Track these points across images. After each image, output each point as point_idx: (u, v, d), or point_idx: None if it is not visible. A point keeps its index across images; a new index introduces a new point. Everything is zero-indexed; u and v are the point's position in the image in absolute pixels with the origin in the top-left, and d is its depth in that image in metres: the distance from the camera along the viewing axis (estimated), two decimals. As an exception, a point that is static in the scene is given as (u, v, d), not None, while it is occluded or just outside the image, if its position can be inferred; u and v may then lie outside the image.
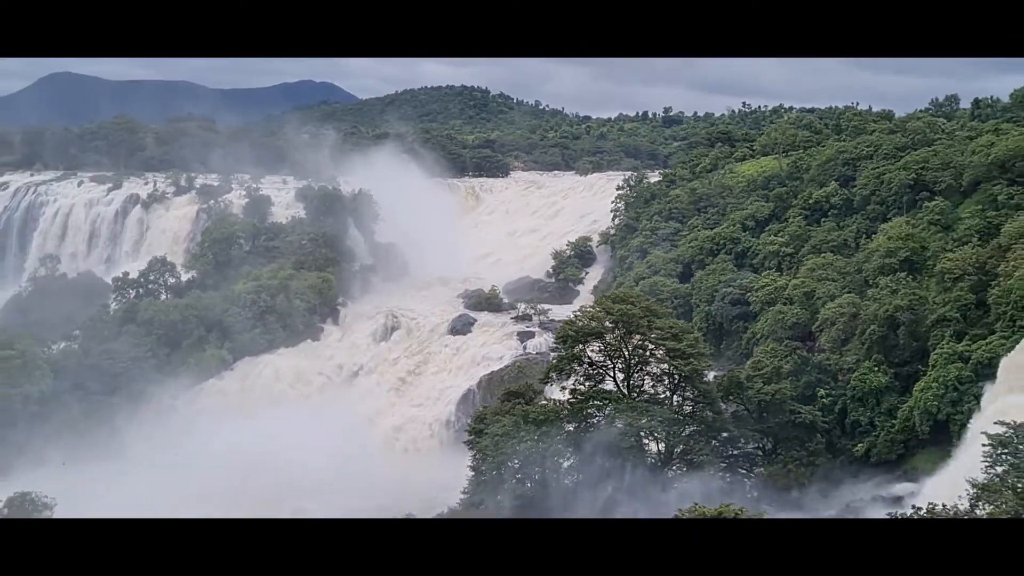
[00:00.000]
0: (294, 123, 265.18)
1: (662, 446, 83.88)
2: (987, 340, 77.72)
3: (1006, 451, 59.04)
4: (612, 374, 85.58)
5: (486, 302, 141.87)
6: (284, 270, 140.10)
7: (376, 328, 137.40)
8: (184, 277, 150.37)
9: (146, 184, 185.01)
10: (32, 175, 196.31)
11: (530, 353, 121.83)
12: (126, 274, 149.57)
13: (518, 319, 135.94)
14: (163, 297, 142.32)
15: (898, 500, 69.26)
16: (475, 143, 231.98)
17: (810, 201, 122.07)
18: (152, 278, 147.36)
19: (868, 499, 76.44)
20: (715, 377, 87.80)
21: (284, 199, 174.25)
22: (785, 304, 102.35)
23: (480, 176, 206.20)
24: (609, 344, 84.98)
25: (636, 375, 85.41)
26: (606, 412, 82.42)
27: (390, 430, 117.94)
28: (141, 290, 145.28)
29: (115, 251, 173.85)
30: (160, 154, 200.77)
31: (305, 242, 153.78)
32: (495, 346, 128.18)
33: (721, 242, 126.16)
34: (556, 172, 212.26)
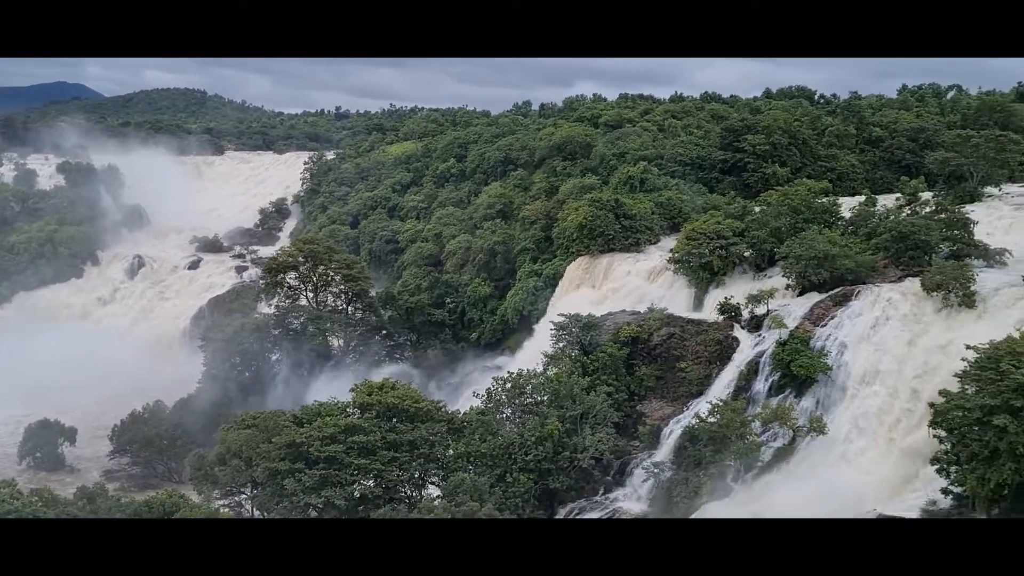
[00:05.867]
0: (53, 114, 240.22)
1: (341, 342, 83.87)
2: (552, 262, 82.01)
3: (564, 332, 62.72)
4: (305, 294, 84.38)
5: (211, 245, 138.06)
6: (50, 225, 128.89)
7: (126, 267, 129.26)
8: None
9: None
10: None
11: (245, 281, 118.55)
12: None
13: (235, 257, 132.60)
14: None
15: (498, 368, 72.15)
16: (198, 130, 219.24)
17: (437, 172, 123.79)
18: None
19: (480, 368, 79.31)
20: (376, 293, 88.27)
21: (47, 172, 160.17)
22: (423, 242, 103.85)
23: (202, 154, 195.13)
24: (302, 273, 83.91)
25: (322, 294, 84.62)
26: (301, 320, 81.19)
27: (141, 340, 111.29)
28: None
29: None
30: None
31: (66, 204, 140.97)
32: (219, 277, 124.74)
33: (378, 200, 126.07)
34: (260, 152, 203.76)
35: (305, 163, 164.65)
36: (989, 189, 76.12)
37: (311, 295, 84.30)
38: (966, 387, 37.18)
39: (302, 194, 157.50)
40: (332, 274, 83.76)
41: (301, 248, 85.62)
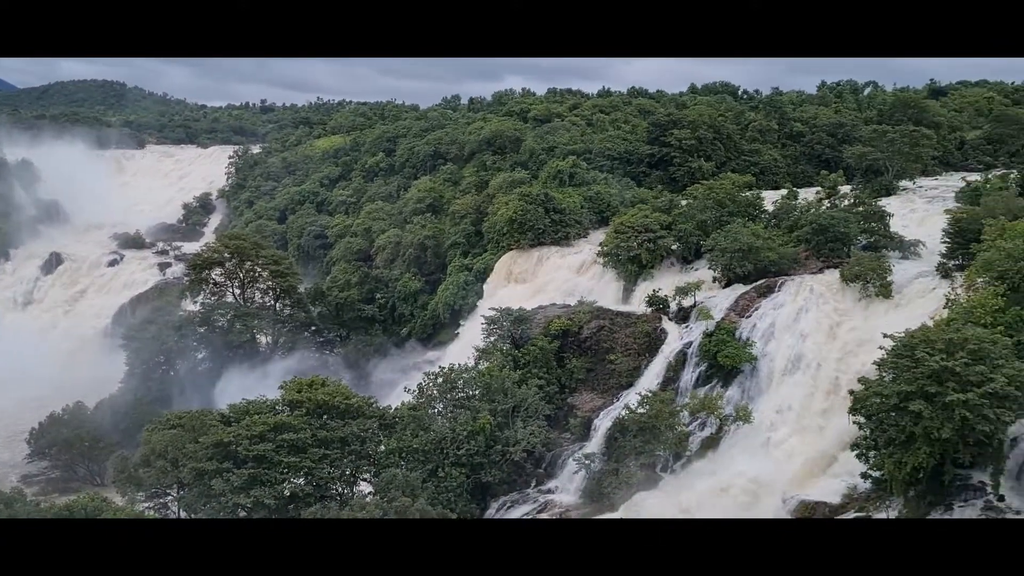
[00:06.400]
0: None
1: (269, 339, 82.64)
2: (482, 256, 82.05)
3: (494, 326, 62.87)
4: (231, 290, 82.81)
5: (132, 241, 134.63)
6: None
7: (43, 264, 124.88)
8: None
9: None
10: None
11: (168, 278, 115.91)
12: None
13: (158, 253, 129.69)
14: None
15: (429, 363, 71.87)
16: (118, 123, 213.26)
17: (366, 166, 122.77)
18: None
19: (411, 363, 78.88)
20: (305, 289, 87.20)
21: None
22: (352, 237, 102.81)
23: (123, 148, 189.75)
24: (228, 269, 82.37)
25: (248, 290, 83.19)
26: (227, 317, 79.67)
27: (60, 339, 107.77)
28: None
29: None
30: None
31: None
32: (141, 274, 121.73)
33: (306, 195, 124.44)
34: (183, 145, 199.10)
35: (230, 157, 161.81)
36: (904, 183, 78.71)
37: (237, 292, 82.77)
38: (883, 374, 38.37)
39: (227, 189, 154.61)
40: (259, 270, 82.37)
41: (227, 244, 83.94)
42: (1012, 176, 70.14)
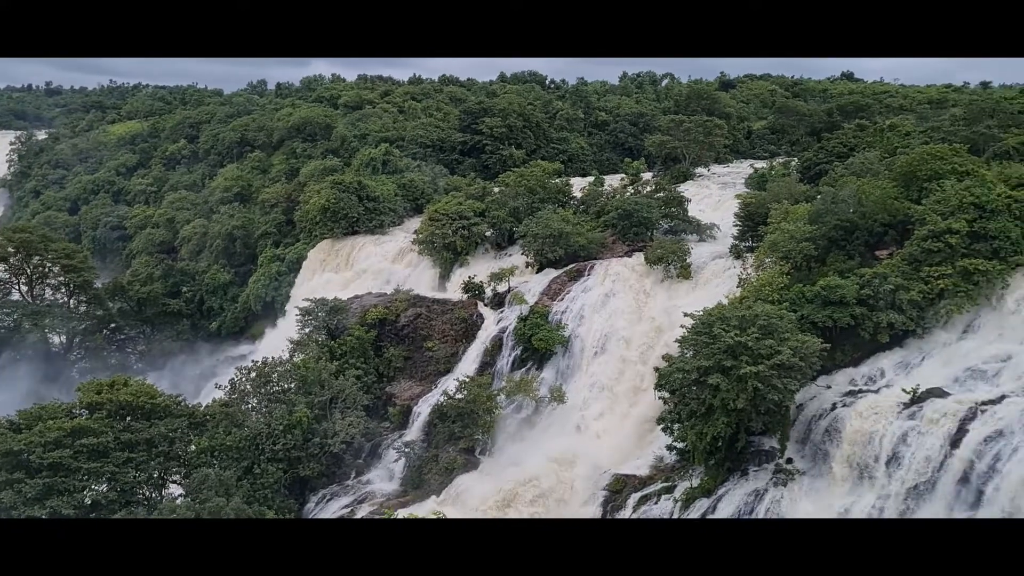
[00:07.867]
0: None
1: (63, 338, 77.05)
2: (295, 246, 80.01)
3: (309, 317, 61.49)
4: (17, 287, 76.64)
5: None
6: None
7: None
8: None
9: None
10: None
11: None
12: None
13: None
14: None
15: (242, 357, 69.48)
16: None
17: (167, 153, 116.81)
18: None
19: (222, 358, 76.04)
20: (103, 284, 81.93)
21: None
22: (154, 228, 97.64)
23: None
24: (12, 265, 76.23)
25: (37, 287, 77.23)
26: (14, 317, 73.62)
27: None
28: None
29: None
30: None
31: None
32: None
33: (101, 184, 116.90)
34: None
35: (12, 143, 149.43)
36: (699, 169, 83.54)
37: (25, 289, 76.66)
38: (685, 351, 40.65)
39: (9, 178, 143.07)
40: (49, 265, 76.58)
41: (11, 238, 77.47)
42: (793, 163, 75.97)
